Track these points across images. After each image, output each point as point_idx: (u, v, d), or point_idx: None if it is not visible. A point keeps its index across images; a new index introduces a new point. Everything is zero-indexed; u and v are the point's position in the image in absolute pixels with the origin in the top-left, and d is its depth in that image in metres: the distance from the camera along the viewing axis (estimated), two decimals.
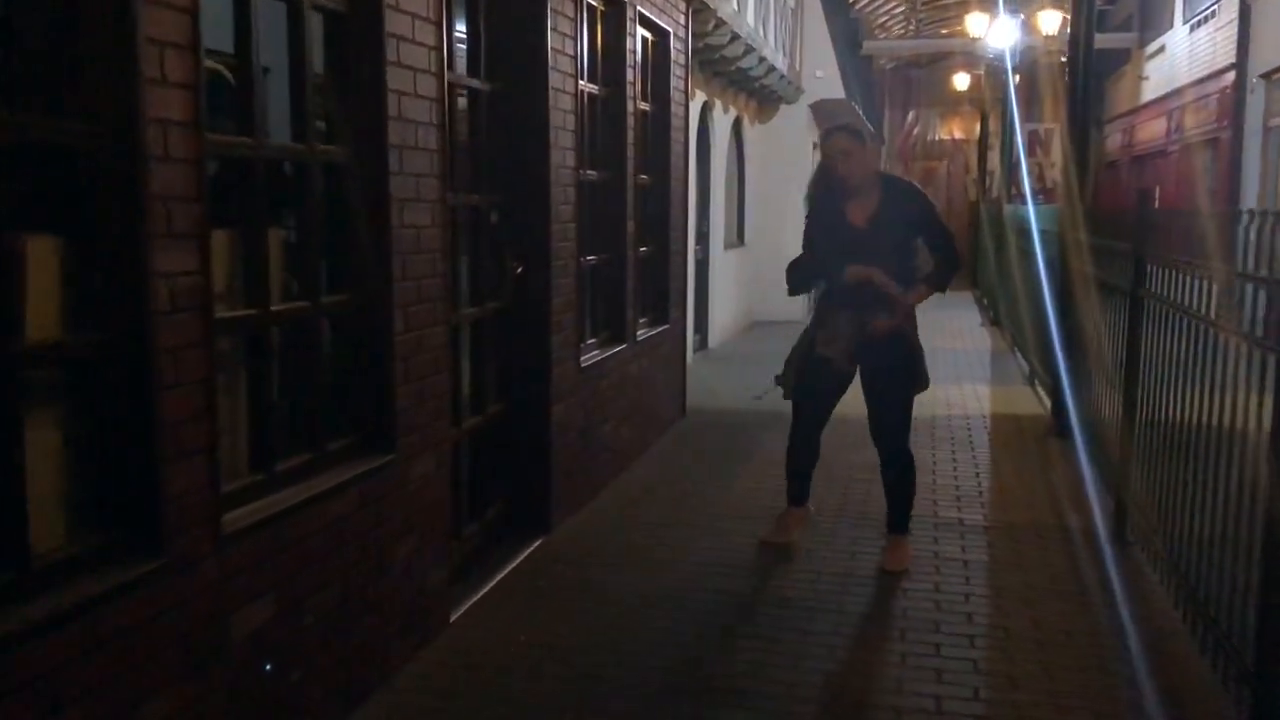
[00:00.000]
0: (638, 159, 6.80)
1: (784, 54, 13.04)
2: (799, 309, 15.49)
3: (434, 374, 3.98)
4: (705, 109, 11.37)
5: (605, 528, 5.47)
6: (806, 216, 5.18)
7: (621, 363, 6.48)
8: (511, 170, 5.01)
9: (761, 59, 11.35)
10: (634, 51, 6.59)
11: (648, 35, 7.08)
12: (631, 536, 5.33)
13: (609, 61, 6.30)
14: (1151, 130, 18.78)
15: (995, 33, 17.82)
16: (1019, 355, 11.21)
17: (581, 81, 5.65)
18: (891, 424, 4.92)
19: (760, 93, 13.39)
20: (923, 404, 8.40)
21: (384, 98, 3.56)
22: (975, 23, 16.19)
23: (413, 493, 3.85)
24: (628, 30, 6.44)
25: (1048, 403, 8.51)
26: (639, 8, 6.64)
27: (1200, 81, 15.45)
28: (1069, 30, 7.67)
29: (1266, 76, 12.99)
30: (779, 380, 5.12)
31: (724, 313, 12.99)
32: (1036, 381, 9.51)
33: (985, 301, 16.70)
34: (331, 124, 3.54)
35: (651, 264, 7.31)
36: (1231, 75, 14.02)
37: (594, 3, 5.97)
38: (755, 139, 14.60)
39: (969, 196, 27.21)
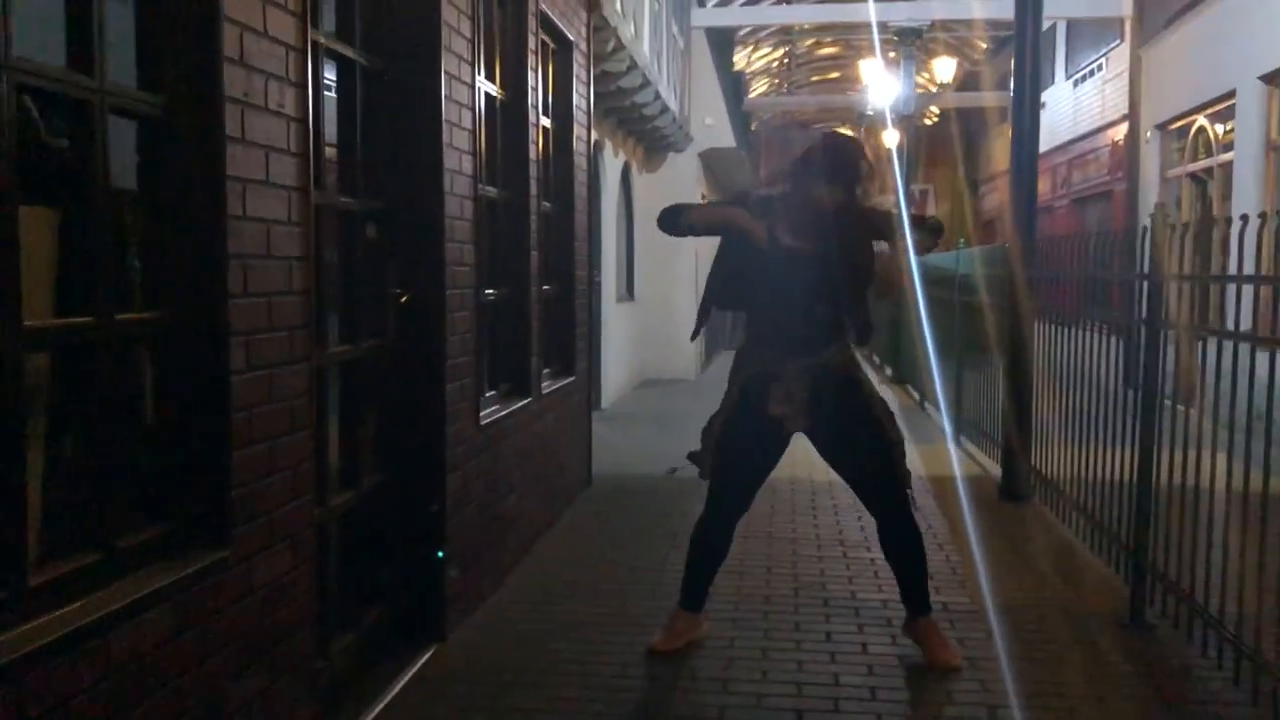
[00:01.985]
0: (541, 181, 5.76)
1: (675, 96, 12.25)
2: (692, 367, 14.62)
3: (289, 432, 2.82)
4: (596, 149, 10.45)
5: (513, 631, 4.31)
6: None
7: (525, 420, 5.37)
8: (395, 170, 3.90)
9: (657, 94, 10.50)
10: (536, 53, 5.58)
11: (549, 41, 6.09)
12: (547, 641, 4.18)
13: (508, 62, 5.27)
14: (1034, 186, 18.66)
15: (878, 89, 17.51)
16: (931, 411, 10.58)
17: (479, 76, 4.60)
18: (883, 477, 3.93)
19: (650, 136, 12.55)
20: None
21: (218, 30, 2.44)
22: (868, 69, 15.74)
23: (259, 604, 2.66)
24: (529, 27, 5.43)
25: (986, 462, 7.73)
26: (542, 5, 5.64)
27: (1089, 135, 15.29)
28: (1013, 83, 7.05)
29: (1162, 127, 12.79)
30: (694, 458, 4.09)
31: (616, 370, 11.98)
32: (964, 439, 8.76)
33: (879, 359, 16.14)
34: (144, 60, 2.40)
35: (556, 305, 6.24)
36: (1124, 127, 13.83)
37: None
38: (644, 188, 13.74)
39: None
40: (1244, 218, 3.63)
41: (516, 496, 5.18)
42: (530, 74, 5.45)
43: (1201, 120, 11.61)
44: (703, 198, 16.00)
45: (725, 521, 4.10)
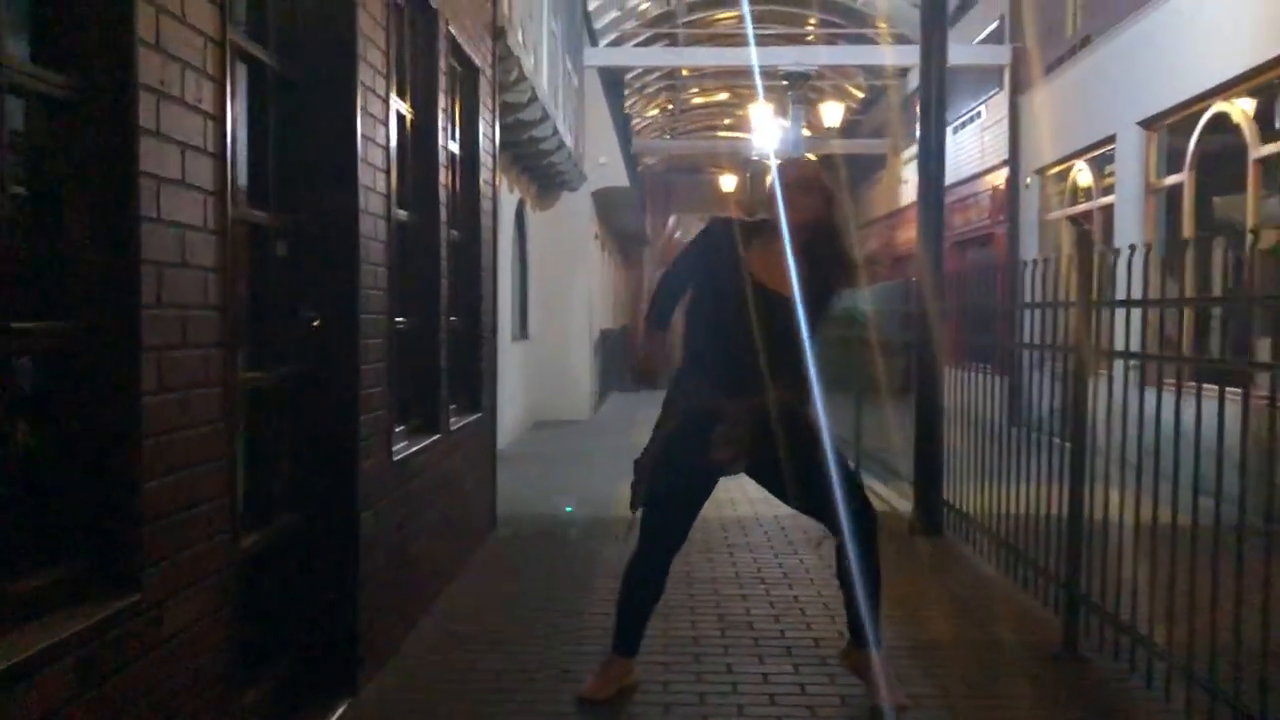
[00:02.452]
0: (449, 208, 5.53)
1: (570, 133, 12.13)
2: (586, 408, 14.42)
3: (205, 462, 2.53)
4: None
5: (428, 684, 4.00)
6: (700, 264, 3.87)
7: (435, 458, 5.08)
8: (309, 184, 3.62)
9: (555, 129, 10.35)
10: (446, 75, 5.37)
11: (457, 65, 5.88)
12: (465, 695, 3.88)
13: (419, 82, 5.04)
14: (914, 231, 19.12)
15: (764, 134, 17.74)
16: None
17: (393, 93, 4.36)
18: (849, 502, 3.70)
19: (546, 173, 12.39)
20: (755, 502, 7.63)
21: (133, 7, 2.18)
22: (756, 113, 15.90)
23: (169, 656, 2.35)
24: (440, 49, 5.21)
25: (892, 498, 7.70)
26: (450, 28, 5.44)
27: (969, 180, 15.71)
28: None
29: (1040, 172, 13.20)
30: (632, 501, 3.86)
31: (512, 410, 11.68)
32: (866, 476, 8.74)
33: None
34: (48, 34, 2.12)
35: (463, 338, 5.98)
36: (1004, 172, 14.24)
37: (402, 3, 4.72)
38: (538, 226, 13.55)
39: None
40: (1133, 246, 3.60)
41: (427, 538, 4.89)
42: (441, 96, 5.23)
43: (1080, 165, 12.01)
44: (595, 238, 15.91)
45: (662, 558, 3.87)
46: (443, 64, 5.25)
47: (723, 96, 24.45)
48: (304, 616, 3.65)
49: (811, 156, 3.68)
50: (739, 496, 8.06)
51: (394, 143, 4.37)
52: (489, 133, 6.59)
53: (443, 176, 5.29)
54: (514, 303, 12.60)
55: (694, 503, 3.87)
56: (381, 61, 4.10)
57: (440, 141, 5.23)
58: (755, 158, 21.03)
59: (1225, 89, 8.35)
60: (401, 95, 4.69)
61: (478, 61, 6.23)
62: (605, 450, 10.87)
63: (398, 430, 4.55)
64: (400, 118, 4.66)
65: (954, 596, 5.28)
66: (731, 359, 3.67)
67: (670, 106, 25.00)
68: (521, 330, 13.02)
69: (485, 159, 6.45)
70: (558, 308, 13.84)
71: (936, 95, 6.99)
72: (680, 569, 5.68)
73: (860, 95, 23.14)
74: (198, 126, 2.47)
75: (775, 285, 3.65)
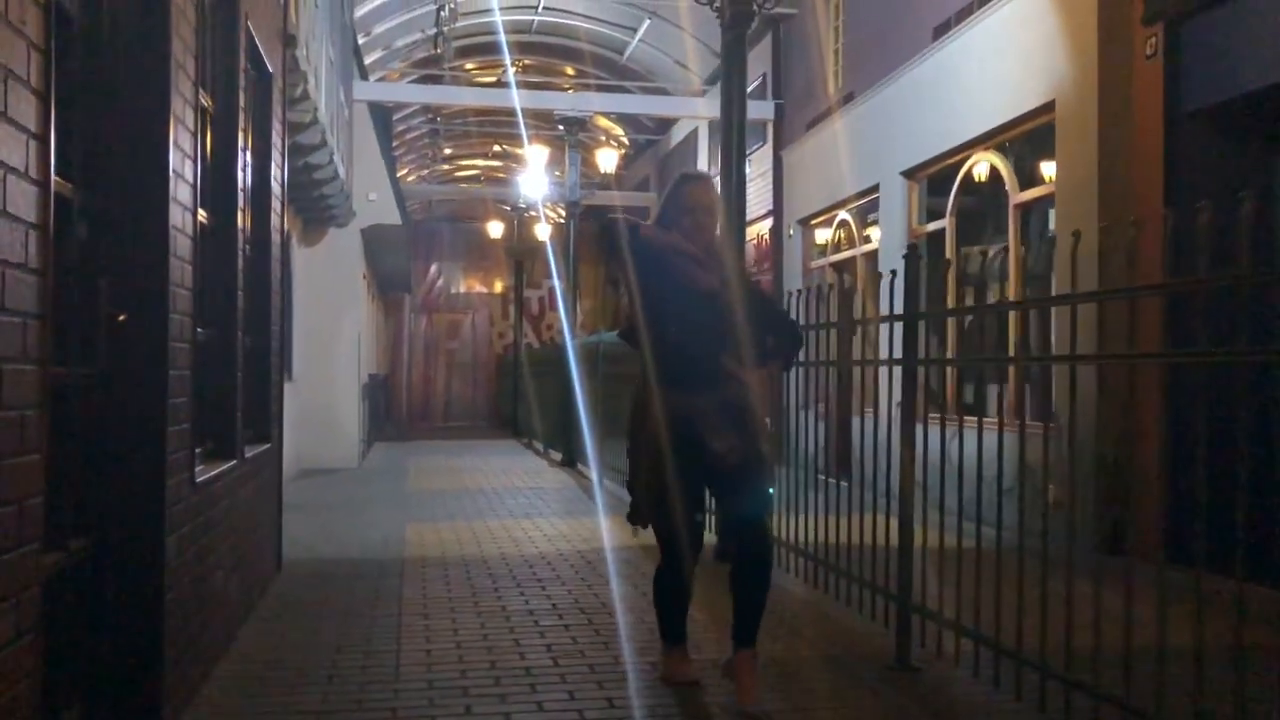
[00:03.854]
0: (245, 214, 5.09)
1: (343, 165, 11.64)
2: (354, 455, 13.73)
3: (16, 454, 2.11)
4: None
5: None
6: (640, 277, 3.88)
7: (230, 486, 4.61)
8: (113, 157, 3.20)
9: (332, 157, 9.89)
10: (245, 73, 4.97)
11: (251, 67, 5.46)
12: None
13: (219, 74, 4.63)
14: None
15: (531, 180, 17.68)
16: (613, 487, 10.59)
17: (196, 78, 3.95)
18: (757, 503, 3.91)
19: (315, 206, 11.81)
20: (554, 539, 7.43)
21: None
22: (532, 156, 15.82)
23: None
24: (239, 43, 4.82)
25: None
26: (249, 23, 5.04)
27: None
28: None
29: (804, 222, 13.77)
30: (632, 516, 3.99)
31: None
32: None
33: (544, 446, 16.02)
34: None
35: (254, 359, 5.50)
36: (769, 222, 14.78)
37: None
38: (303, 263, 12.88)
39: (495, 349, 26.98)
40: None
41: (223, 574, 4.40)
42: (241, 94, 4.83)
43: (843, 214, 12.60)
44: (364, 278, 15.32)
45: (684, 564, 3.89)
46: (243, 59, 4.85)
47: (489, 144, 24.34)
48: (99, 651, 3.16)
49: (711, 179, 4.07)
50: (537, 535, 7.83)
51: (199, 131, 3.96)
52: (279, 143, 6.18)
53: (240, 180, 4.87)
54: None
55: (700, 501, 3.92)
56: (191, 37, 3.71)
57: (240, 143, 4.82)
58: (522, 205, 20.98)
59: (983, 140, 8.96)
60: (203, 85, 4.28)
61: (270, 67, 5.84)
62: (380, 498, 10.38)
63: (198, 451, 4.09)
64: (203, 109, 4.24)
65: (779, 618, 5.24)
66: (691, 359, 3.79)
67: (436, 153, 24.63)
68: (287, 372, 12.28)
69: (275, 171, 6.03)
70: (325, 350, 13.16)
71: (737, 142, 7.07)
72: (494, 604, 5.42)
73: (623, 150, 23.56)
74: (21, 51, 2.09)
75: (710, 284, 3.83)
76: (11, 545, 2.11)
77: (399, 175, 20.88)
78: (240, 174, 4.86)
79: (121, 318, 3.22)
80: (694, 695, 3.94)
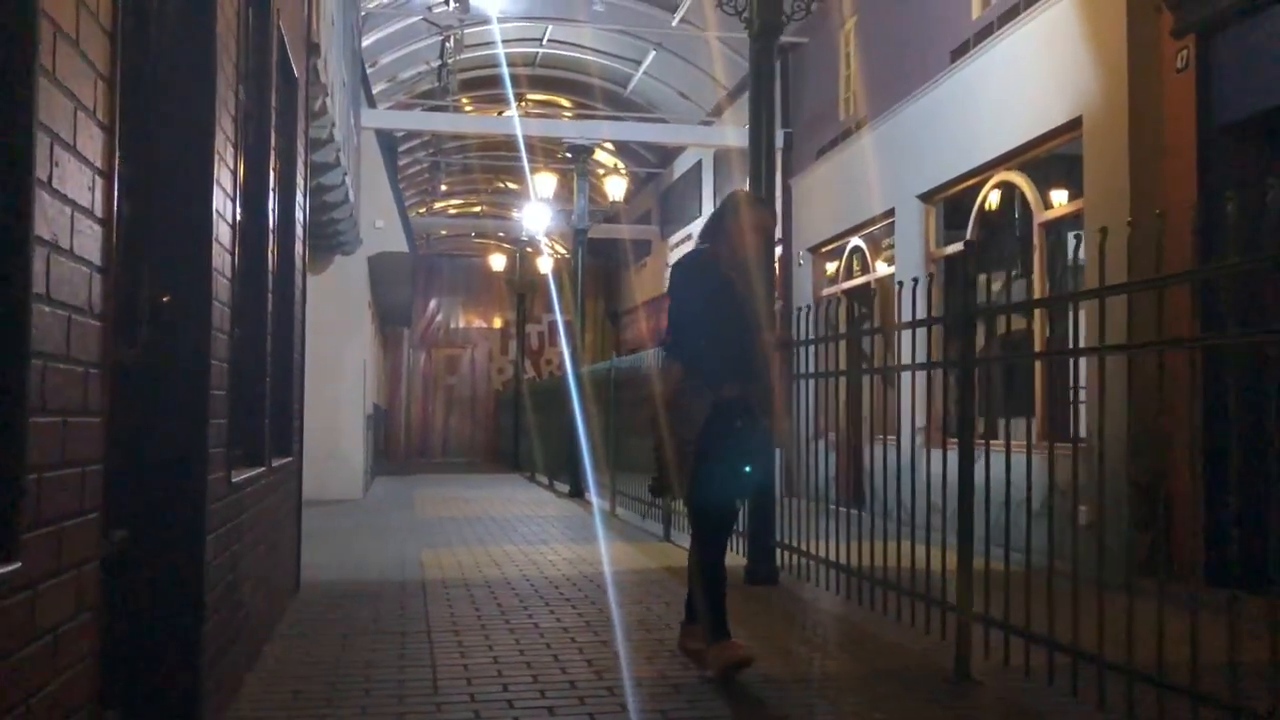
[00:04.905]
0: (276, 222, 4.96)
1: (354, 190, 11.54)
2: (358, 487, 13.52)
3: (81, 414, 1.96)
4: None
5: None
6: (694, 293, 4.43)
7: (259, 494, 4.44)
8: (157, 139, 3.07)
9: (345, 179, 9.79)
10: (275, 72, 4.86)
11: (278, 71, 5.35)
12: None
13: (250, 70, 4.51)
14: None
15: (535, 212, 17.58)
16: (625, 516, 10.45)
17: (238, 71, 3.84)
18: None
19: (323, 232, 11.68)
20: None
21: None
22: (540, 182, 15.74)
23: (42, 653, 1.76)
24: (272, 40, 4.72)
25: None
26: (280, 23, 4.94)
27: None
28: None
29: (814, 250, 13.70)
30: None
31: None
32: (676, 537, 8.53)
33: (547, 477, 15.83)
34: None
35: (280, 369, 5.34)
36: (779, 250, 14.69)
37: None
38: (310, 291, 12.70)
39: (494, 385, 26.80)
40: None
41: (250, 585, 4.22)
42: (273, 94, 4.72)
43: (856, 241, 12.51)
44: (369, 306, 15.18)
45: (724, 545, 4.39)
46: (276, 55, 4.75)
47: (490, 180, 24.33)
48: (141, 646, 2.98)
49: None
50: (556, 559, 7.65)
51: (238, 124, 3.84)
52: (302, 153, 6.07)
53: (272, 182, 4.75)
54: None
55: (745, 486, 4.42)
56: (232, 43, 3.60)
57: (272, 142, 4.71)
58: (525, 237, 20.89)
59: (1004, 160, 8.89)
60: (240, 79, 4.16)
61: (297, 73, 5.74)
62: (390, 525, 10.21)
63: (235, 453, 3.93)
64: (239, 101, 4.12)
65: (826, 637, 5.08)
66: (735, 355, 4.27)
67: (436, 187, 24.59)
68: None
69: (299, 181, 5.91)
70: (331, 381, 12.97)
71: (767, 148, 6.99)
72: (525, 622, 5.24)
73: (625, 182, 23.55)
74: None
75: (745, 289, 4.38)
76: (73, 512, 1.95)
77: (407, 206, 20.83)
78: (271, 177, 4.73)
79: (166, 298, 3.08)
80: (751, 712, 3.75)
